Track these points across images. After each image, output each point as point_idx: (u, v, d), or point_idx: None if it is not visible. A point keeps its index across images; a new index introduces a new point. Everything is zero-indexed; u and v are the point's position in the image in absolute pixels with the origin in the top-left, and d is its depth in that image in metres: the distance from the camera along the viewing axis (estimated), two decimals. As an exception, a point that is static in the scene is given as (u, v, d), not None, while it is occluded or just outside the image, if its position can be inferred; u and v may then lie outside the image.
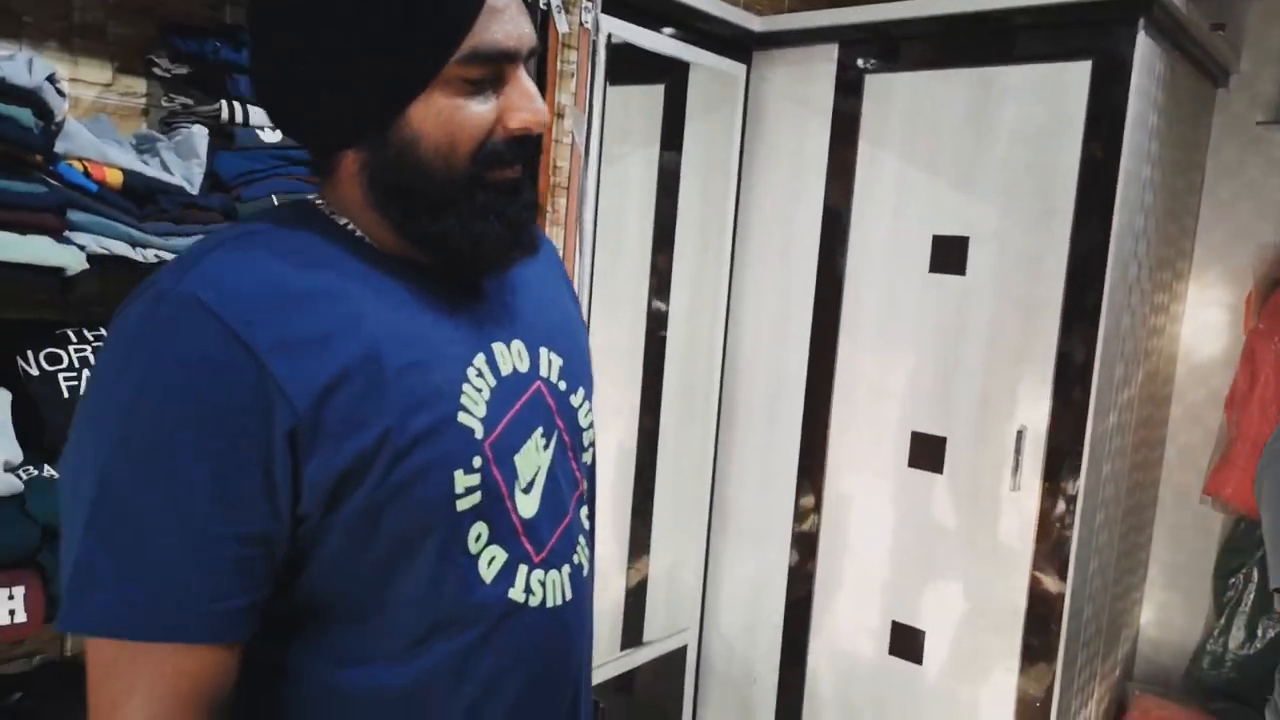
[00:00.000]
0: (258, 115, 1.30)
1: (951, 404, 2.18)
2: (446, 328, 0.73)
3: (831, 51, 2.31)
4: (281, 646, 0.71)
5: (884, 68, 2.25)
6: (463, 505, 0.70)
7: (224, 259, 0.66)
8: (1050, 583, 2.05)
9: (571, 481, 0.82)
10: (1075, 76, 1.99)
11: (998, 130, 2.10)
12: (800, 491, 2.42)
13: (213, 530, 0.63)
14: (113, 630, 0.62)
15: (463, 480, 0.70)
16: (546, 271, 0.89)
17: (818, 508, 2.40)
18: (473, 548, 0.71)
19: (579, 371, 0.86)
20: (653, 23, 2.14)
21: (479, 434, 0.72)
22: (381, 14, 0.65)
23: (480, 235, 0.71)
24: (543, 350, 0.81)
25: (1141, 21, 1.90)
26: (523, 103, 0.70)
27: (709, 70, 2.35)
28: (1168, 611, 2.62)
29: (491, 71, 0.69)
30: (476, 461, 0.71)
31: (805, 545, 2.42)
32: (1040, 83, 2.03)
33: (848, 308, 2.33)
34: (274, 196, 1.30)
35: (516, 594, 0.74)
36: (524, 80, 0.71)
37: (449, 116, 0.68)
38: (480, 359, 0.74)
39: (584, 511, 0.84)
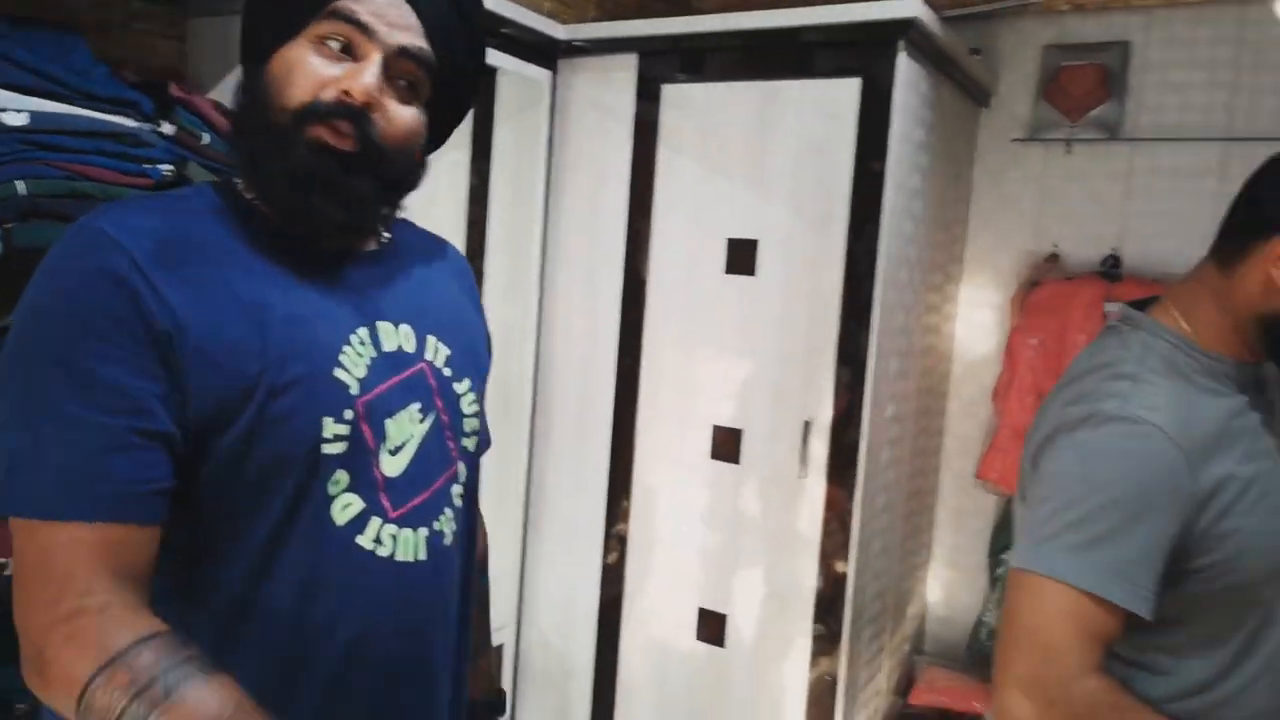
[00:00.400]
0: (0, 97, 1.25)
1: (747, 398, 2.30)
2: (335, 297, 0.83)
3: (631, 61, 2.40)
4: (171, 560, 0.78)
5: (680, 78, 2.35)
6: (328, 450, 0.79)
7: (135, 206, 0.78)
8: (838, 565, 2.19)
9: (445, 458, 0.90)
10: (847, 92, 2.15)
11: (783, 140, 2.23)
12: (611, 489, 2.49)
13: (119, 423, 0.71)
14: (41, 510, 0.71)
15: (331, 427, 0.79)
16: (451, 278, 1.00)
17: (628, 504, 2.47)
18: (330, 490, 0.79)
19: (467, 365, 0.94)
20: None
21: (353, 390, 0.81)
22: None
23: (296, 197, 0.79)
24: (430, 338, 0.90)
25: (901, 44, 2.08)
26: (355, 73, 0.79)
27: (516, 76, 2.40)
28: (951, 589, 2.84)
29: (340, 33, 0.79)
30: (348, 414, 0.80)
31: (617, 541, 2.49)
32: (819, 97, 2.18)
33: (651, 308, 2.42)
34: (19, 183, 1.25)
35: (365, 541, 0.81)
36: (371, 63, 0.80)
37: (294, 61, 0.79)
38: (364, 330, 0.84)
39: (456, 490, 0.91)
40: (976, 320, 2.78)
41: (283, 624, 0.79)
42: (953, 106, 2.50)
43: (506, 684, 2.60)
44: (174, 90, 1.49)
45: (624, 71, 2.42)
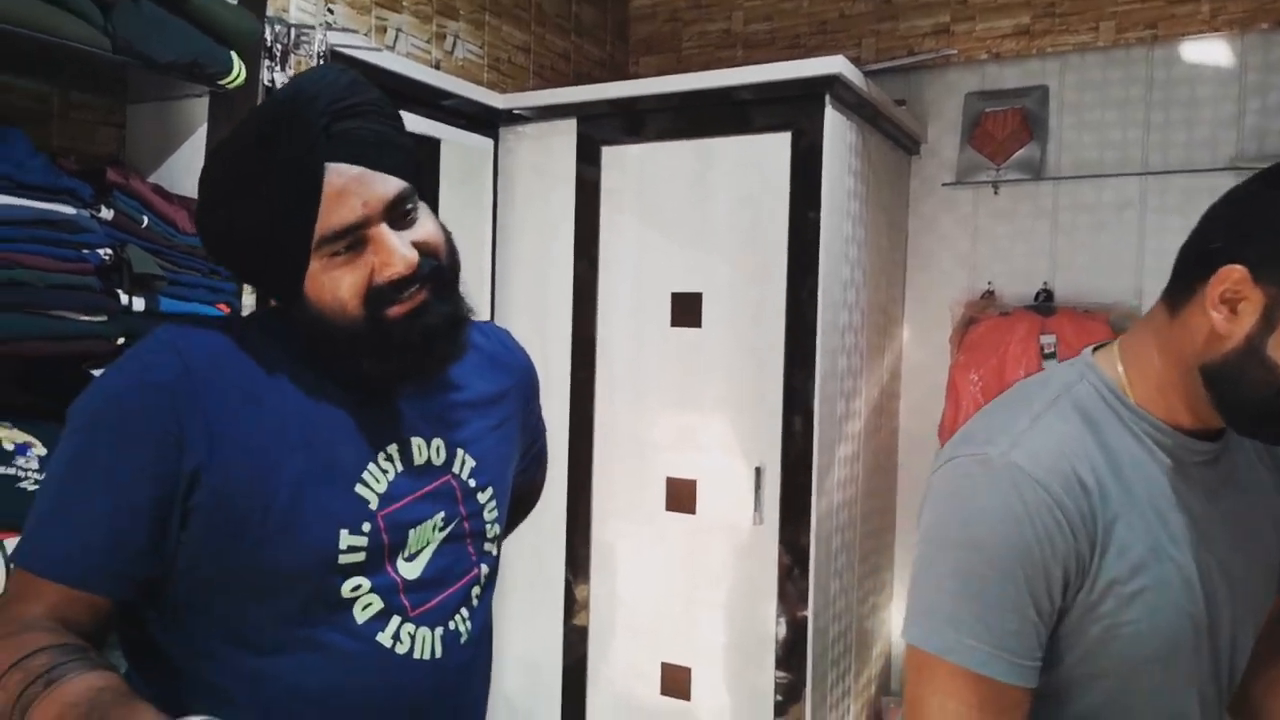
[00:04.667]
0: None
1: (699, 448, 2.33)
2: (368, 421, 0.89)
3: (571, 126, 2.47)
4: (178, 628, 0.84)
5: (618, 140, 2.42)
6: (345, 560, 0.85)
7: (208, 332, 0.86)
8: (797, 609, 2.20)
9: (464, 561, 0.96)
10: (779, 146, 2.23)
11: (719, 195, 2.30)
12: (570, 547, 2.49)
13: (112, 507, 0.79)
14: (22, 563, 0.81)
15: (348, 539, 0.85)
16: (496, 379, 1.04)
17: (587, 561, 2.47)
18: (346, 594, 0.85)
19: (491, 473, 1.00)
20: (399, 102, 2.22)
21: (373, 505, 0.87)
22: (251, 224, 0.83)
23: (389, 368, 0.86)
24: (459, 451, 0.96)
25: (827, 98, 2.17)
26: (387, 258, 0.83)
27: (458, 145, 2.45)
28: (916, 626, 2.85)
29: (348, 243, 0.83)
30: (366, 526, 0.86)
31: (578, 599, 2.48)
32: (752, 152, 2.26)
33: (601, 365, 2.46)
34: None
35: (385, 638, 0.87)
36: (385, 237, 0.83)
37: (332, 285, 0.83)
38: (393, 448, 0.90)
39: (475, 590, 0.97)
40: (919, 359, 2.84)
41: (300, 702, 0.85)
42: (882, 155, 2.59)
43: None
44: (111, 175, 1.52)
45: (564, 136, 2.48)
